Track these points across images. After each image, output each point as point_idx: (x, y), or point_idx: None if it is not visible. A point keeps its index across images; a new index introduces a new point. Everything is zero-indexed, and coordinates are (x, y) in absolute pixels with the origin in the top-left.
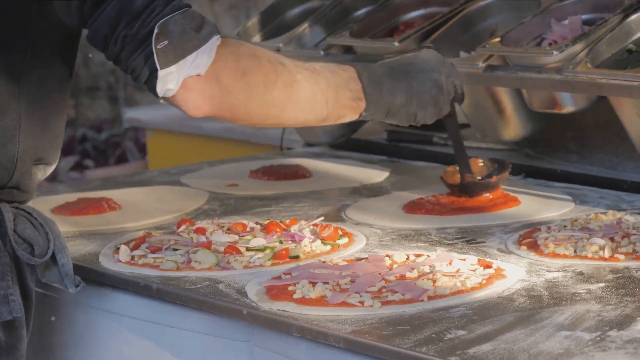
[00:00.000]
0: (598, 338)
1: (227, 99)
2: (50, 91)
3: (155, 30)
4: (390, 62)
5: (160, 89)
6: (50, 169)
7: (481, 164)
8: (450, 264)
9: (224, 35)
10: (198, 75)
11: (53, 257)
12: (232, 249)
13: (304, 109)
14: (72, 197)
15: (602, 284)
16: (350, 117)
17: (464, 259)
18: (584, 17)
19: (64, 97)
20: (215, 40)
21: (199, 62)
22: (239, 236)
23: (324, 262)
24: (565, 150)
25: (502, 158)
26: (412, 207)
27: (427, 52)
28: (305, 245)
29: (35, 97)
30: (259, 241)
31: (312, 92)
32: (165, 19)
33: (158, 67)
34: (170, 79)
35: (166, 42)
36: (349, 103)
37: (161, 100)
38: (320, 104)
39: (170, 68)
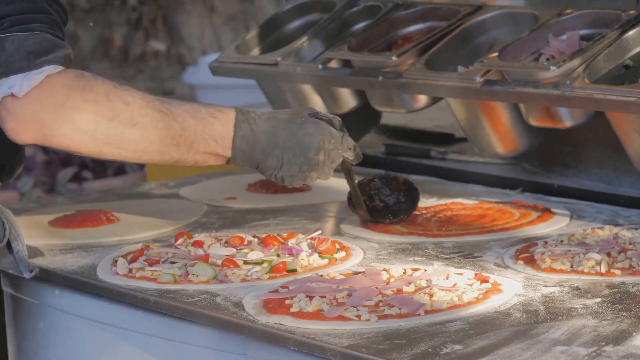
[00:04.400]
0: (594, 353)
1: (45, 128)
2: None
3: None
4: (278, 121)
5: None
6: (9, 178)
7: (399, 186)
8: (447, 278)
9: (73, 69)
10: (15, 96)
11: (9, 245)
12: (229, 262)
13: (146, 150)
14: (70, 209)
15: (599, 299)
16: (215, 162)
17: (461, 274)
18: (581, 32)
19: None
20: (48, 69)
21: (18, 84)
22: (237, 249)
23: (321, 275)
24: (562, 165)
25: (417, 187)
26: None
27: (315, 126)
28: (302, 259)
29: None
30: (256, 254)
31: (159, 136)
32: (4, 35)
33: None
34: None
35: None
36: (211, 151)
37: None
38: (169, 147)
39: None
